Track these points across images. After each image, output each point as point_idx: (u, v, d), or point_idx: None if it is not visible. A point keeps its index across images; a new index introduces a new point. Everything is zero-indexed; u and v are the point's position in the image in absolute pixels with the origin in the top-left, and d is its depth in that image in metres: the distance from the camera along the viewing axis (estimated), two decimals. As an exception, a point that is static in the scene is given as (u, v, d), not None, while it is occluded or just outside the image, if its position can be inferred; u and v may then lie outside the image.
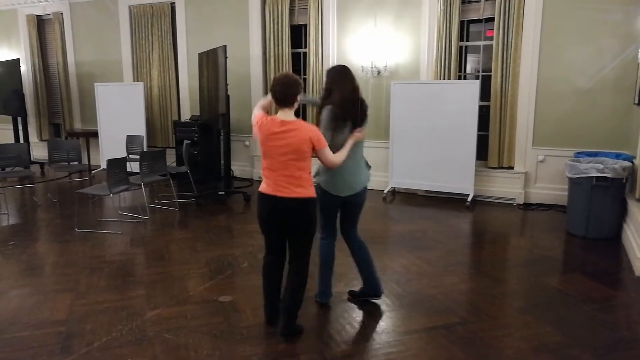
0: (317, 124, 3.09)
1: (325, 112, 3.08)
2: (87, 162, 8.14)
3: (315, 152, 2.87)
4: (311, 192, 2.88)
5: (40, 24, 9.63)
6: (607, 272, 4.09)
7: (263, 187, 2.90)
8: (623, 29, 5.49)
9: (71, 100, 9.51)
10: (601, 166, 4.81)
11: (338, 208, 3.27)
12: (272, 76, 7.44)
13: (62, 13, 9.23)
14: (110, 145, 8.10)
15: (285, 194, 2.81)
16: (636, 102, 5.18)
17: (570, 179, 5.06)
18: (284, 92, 2.79)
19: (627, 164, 4.85)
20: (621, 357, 2.81)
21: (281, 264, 3.06)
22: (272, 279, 3.05)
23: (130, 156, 6.99)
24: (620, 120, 5.59)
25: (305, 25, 7.25)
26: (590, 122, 5.76)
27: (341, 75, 3.18)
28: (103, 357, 2.78)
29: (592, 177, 4.81)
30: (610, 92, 5.64)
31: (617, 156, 5.23)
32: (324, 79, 3.26)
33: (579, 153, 5.51)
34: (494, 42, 6.11)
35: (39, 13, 9.49)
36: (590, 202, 4.86)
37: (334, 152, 2.95)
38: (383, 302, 3.45)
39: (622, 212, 4.90)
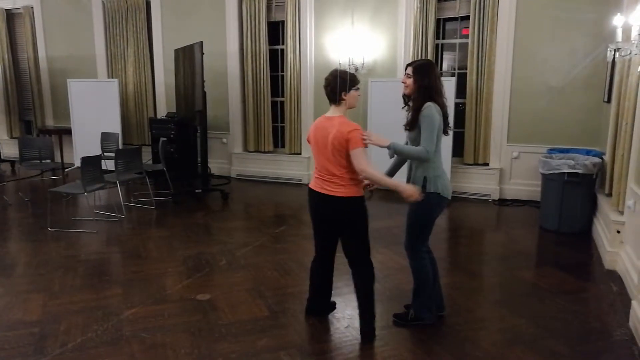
0: (414, 123, 2.80)
1: (434, 109, 2.73)
2: (60, 160, 7.97)
3: (350, 154, 2.72)
4: (351, 192, 2.81)
5: (10, 18, 9.34)
6: (578, 265, 4.21)
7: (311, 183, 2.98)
8: (594, 28, 5.62)
9: (43, 96, 9.26)
10: (572, 162, 4.93)
11: None
12: (249, 73, 7.40)
13: (32, 7, 8.97)
14: (85, 143, 7.92)
15: (325, 191, 2.86)
16: (606, 99, 5.32)
17: (543, 175, 5.17)
18: (328, 87, 2.85)
19: (597, 160, 4.98)
20: (593, 347, 2.90)
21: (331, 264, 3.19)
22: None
23: (105, 154, 6.88)
24: (590, 117, 5.74)
25: (283, 21, 7.22)
26: (563, 120, 5.90)
27: (437, 74, 2.87)
28: (78, 358, 2.73)
29: (564, 173, 4.92)
30: (582, 90, 5.78)
31: (588, 152, 5.38)
32: (409, 71, 2.87)
33: (551, 150, 5.63)
34: (469, 40, 6.19)
35: (8, 7, 9.20)
36: (563, 197, 4.98)
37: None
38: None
39: (592, 207, 5.03)
